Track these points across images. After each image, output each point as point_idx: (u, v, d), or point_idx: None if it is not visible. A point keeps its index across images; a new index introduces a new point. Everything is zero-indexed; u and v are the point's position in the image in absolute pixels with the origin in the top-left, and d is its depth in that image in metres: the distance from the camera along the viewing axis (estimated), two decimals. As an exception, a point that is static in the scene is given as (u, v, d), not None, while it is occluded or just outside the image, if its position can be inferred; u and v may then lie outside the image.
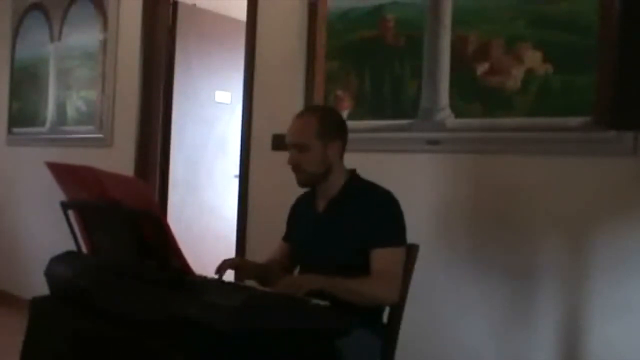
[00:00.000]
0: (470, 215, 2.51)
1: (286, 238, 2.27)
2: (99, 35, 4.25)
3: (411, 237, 2.05)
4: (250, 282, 2.09)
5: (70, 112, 4.47)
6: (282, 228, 2.30)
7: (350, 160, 2.14)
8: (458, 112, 2.54)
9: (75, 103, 4.45)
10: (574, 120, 2.24)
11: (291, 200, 2.29)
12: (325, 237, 2.03)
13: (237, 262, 2.14)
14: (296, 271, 2.18)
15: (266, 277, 2.11)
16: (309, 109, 2.32)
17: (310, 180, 2.06)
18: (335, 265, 1.94)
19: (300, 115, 2.14)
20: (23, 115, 4.90)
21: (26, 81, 4.88)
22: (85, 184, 1.79)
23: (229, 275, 2.04)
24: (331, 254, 1.98)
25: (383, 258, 1.94)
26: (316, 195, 2.13)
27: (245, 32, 3.38)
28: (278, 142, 3.14)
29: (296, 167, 2.05)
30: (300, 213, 2.23)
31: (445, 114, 2.56)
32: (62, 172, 1.90)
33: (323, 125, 2.04)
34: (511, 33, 2.39)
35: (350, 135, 2.14)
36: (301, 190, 2.23)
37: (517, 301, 2.37)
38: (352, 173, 2.11)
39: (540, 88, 2.32)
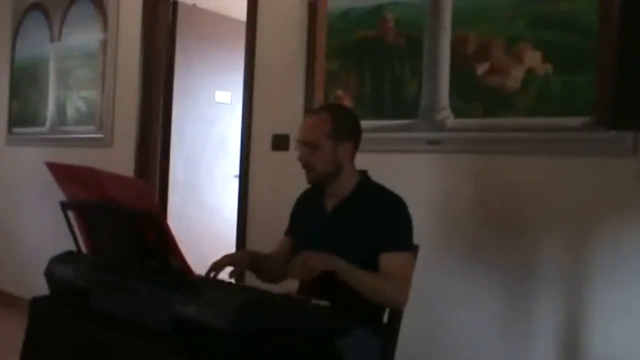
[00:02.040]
0: (470, 215, 2.51)
1: (289, 232, 2.25)
2: (99, 35, 4.25)
3: (411, 237, 2.05)
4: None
5: (70, 112, 4.47)
6: (282, 228, 2.29)
7: (350, 160, 2.14)
8: (458, 112, 2.54)
9: (75, 103, 4.44)
10: (574, 120, 2.24)
11: (291, 199, 2.29)
12: (333, 236, 2.02)
13: (229, 262, 2.11)
14: None
15: (262, 268, 2.10)
16: (324, 107, 2.28)
17: (320, 179, 2.05)
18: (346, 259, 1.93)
19: (314, 112, 2.13)
20: (23, 115, 4.90)
21: (26, 81, 4.88)
22: (85, 184, 1.79)
23: (224, 271, 2.03)
24: (338, 254, 1.97)
25: (394, 261, 1.93)
26: (325, 194, 2.11)
27: (245, 32, 3.38)
28: (278, 142, 3.14)
29: (306, 165, 2.04)
30: (306, 209, 2.21)
31: (445, 114, 2.56)
32: (62, 172, 1.90)
33: (336, 125, 2.02)
34: (511, 33, 2.39)
35: (351, 135, 2.13)
36: (300, 189, 2.23)
37: (517, 301, 2.37)
38: (363, 175, 2.11)
39: (540, 88, 2.32)
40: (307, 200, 2.23)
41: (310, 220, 2.16)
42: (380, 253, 1.94)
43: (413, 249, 2.01)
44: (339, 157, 2.03)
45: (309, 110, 2.12)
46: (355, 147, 2.08)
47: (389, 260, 1.93)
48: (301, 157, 2.04)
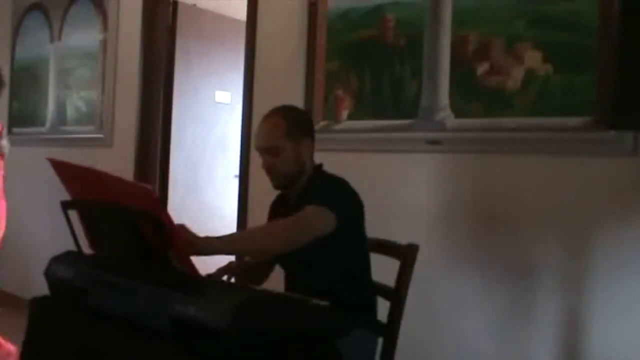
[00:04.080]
0: (470, 215, 2.51)
1: None
2: (99, 35, 4.25)
3: (411, 237, 2.05)
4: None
5: (70, 112, 4.47)
6: (282, 228, 2.29)
7: (351, 160, 2.14)
8: (458, 112, 2.54)
9: (75, 103, 4.45)
10: (574, 120, 2.24)
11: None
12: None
13: (234, 269, 2.11)
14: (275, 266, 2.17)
15: (255, 275, 2.11)
16: (273, 111, 2.22)
17: (285, 181, 2.03)
18: (305, 256, 1.90)
19: (265, 118, 2.08)
20: (23, 115, 4.90)
21: (26, 81, 4.88)
22: (87, 184, 1.78)
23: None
24: None
25: (302, 210, 1.86)
26: (290, 192, 2.10)
27: (245, 32, 3.39)
28: (278, 142, 3.14)
29: (270, 171, 2.02)
30: (277, 209, 2.20)
31: (445, 114, 2.56)
32: (64, 170, 1.88)
33: (291, 124, 2.01)
34: (511, 33, 2.39)
35: (350, 135, 2.14)
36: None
37: (517, 301, 2.37)
38: (318, 167, 2.09)
39: (540, 88, 2.32)
40: (279, 201, 2.21)
41: (279, 217, 2.16)
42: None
43: (330, 206, 1.86)
44: (301, 155, 2.02)
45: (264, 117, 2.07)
46: (313, 143, 2.07)
47: (300, 210, 1.86)
48: (265, 164, 2.02)
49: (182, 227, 1.65)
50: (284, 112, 2.08)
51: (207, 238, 1.71)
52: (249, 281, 2.10)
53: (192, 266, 1.60)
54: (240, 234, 1.84)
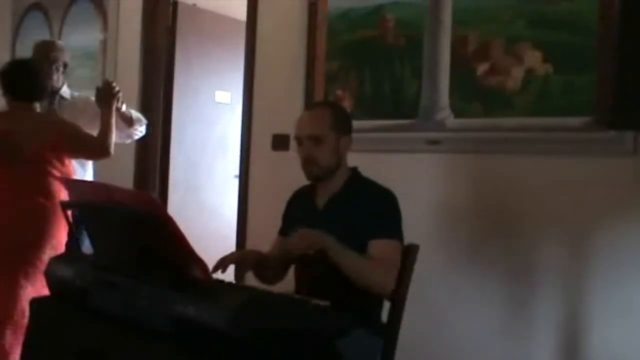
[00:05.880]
0: (470, 215, 2.51)
1: (282, 233, 2.25)
2: (99, 35, 4.25)
3: (411, 237, 2.04)
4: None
5: (70, 112, 4.46)
6: (282, 228, 2.29)
7: (350, 160, 2.14)
8: (458, 112, 2.54)
9: (75, 103, 4.44)
10: (574, 120, 2.24)
11: (291, 200, 2.29)
12: (327, 232, 2.02)
13: (237, 258, 2.12)
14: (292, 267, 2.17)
15: (262, 270, 2.10)
16: (321, 102, 2.26)
17: (322, 173, 2.02)
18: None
19: (312, 107, 2.15)
20: (23, 115, 4.89)
21: (26, 81, 4.87)
22: (96, 197, 1.77)
23: (229, 270, 2.03)
24: None
25: (382, 248, 1.92)
26: (316, 191, 2.11)
27: (245, 32, 3.39)
28: (278, 142, 3.14)
29: (309, 161, 2.01)
30: (297, 208, 2.20)
31: (445, 114, 2.57)
32: (76, 189, 1.88)
33: (337, 118, 2.04)
34: (511, 33, 2.39)
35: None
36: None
37: (517, 301, 2.37)
38: (354, 171, 2.11)
39: (540, 88, 2.32)
40: (298, 199, 2.21)
41: (302, 218, 2.14)
42: (369, 240, 1.93)
43: (401, 239, 1.99)
44: (341, 150, 2.03)
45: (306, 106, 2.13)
46: (350, 142, 2.08)
47: (377, 246, 1.92)
48: (304, 152, 2.02)
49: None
50: (331, 105, 2.17)
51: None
52: (264, 278, 2.10)
53: (204, 266, 1.60)
54: (351, 252, 1.88)
